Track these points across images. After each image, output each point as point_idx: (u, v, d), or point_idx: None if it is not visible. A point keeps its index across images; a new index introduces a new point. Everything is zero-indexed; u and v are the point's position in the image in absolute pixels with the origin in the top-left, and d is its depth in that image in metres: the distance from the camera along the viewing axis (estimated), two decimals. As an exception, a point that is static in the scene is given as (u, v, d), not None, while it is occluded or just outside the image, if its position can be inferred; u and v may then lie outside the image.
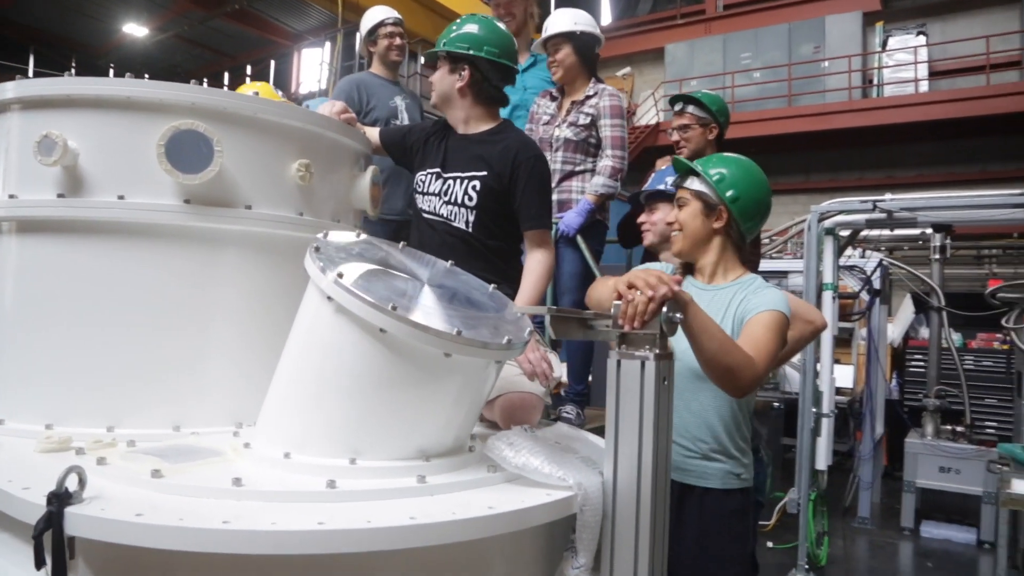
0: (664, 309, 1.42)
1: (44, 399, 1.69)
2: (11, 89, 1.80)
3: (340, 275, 1.29)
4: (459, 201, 2.26)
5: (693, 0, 16.56)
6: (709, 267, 2.02)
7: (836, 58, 13.60)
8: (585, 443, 1.59)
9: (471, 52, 2.23)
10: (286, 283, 1.87)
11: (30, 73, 19.13)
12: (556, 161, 3.16)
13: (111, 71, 21.46)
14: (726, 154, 2.15)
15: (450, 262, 1.75)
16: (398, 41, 3.81)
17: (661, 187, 2.58)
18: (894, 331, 8.73)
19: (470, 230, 2.26)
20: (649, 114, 15.57)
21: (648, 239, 2.60)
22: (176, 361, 1.73)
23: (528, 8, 3.64)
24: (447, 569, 1.28)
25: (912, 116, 12.28)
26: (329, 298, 1.31)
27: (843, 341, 8.84)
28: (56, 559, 1.12)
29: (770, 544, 5.52)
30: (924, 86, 12.91)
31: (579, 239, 3.05)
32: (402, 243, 1.73)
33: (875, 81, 13.65)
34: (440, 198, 2.29)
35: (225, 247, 1.78)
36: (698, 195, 2.01)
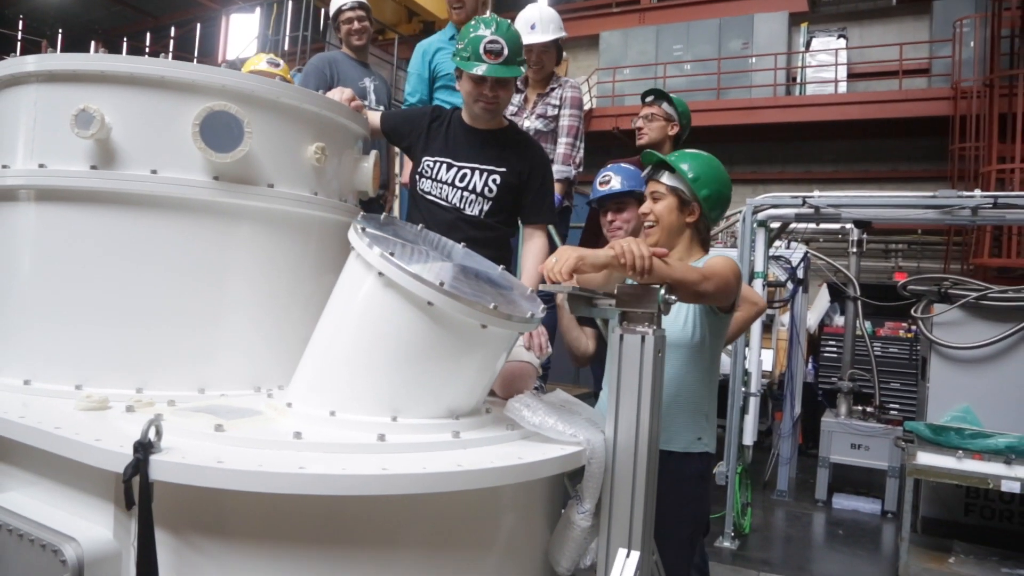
0: (662, 291, 1.63)
1: (73, 361, 1.77)
2: (32, 63, 1.86)
3: (392, 253, 1.45)
4: (478, 191, 2.44)
5: (630, -11, 16.87)
6: (678, 255, 2.20)
7: (763, 55, 14.19)
8: (584, 408, 1.80)
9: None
10: (301, 257, 2.02)
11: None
12: (527, 151, 3.34)
13: (20, 23, 20.25)
14: (693, 151, 2.31)
15: (463, 244, 1.91)
16: (356, 25, 3.89)
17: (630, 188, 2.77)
18: (811, 318, 9.33)
19: (482, 217, 2.45)
20: (581, 89, 15.86)
21: (620, 237, 2.79)
22: (200, 328, 1.84)
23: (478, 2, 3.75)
24: (480, 509, 1.46)
25: (831, 115, 12.97)
26: (380, 273, 1.46)
27: (764, 327, 9.42)
28: (143, 500, 1.25)
29: (698, 513, 5.90)
30: (843, 87, 13.64)
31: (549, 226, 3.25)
32: (420, 225, 1.89)
33: (798, 80, 14.32)
34: (453, 186, 2.45)
35: (248, 222, 1.90)
36: (673, 190, 2.18)
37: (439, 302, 1.43)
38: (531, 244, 2.50)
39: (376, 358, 1.52)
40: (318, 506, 1.30)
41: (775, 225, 5.82)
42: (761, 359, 5.72)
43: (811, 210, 5.26)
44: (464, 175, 2.43)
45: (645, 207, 2.25)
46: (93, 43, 21.13)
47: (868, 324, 9.16)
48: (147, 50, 20.96)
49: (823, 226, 7.78)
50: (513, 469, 1.39)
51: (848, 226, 6.41)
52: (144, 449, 1.25)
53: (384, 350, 1.51)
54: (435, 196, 2.45)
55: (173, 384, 1.78)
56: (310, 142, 1.99)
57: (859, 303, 6.76)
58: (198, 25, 20.72)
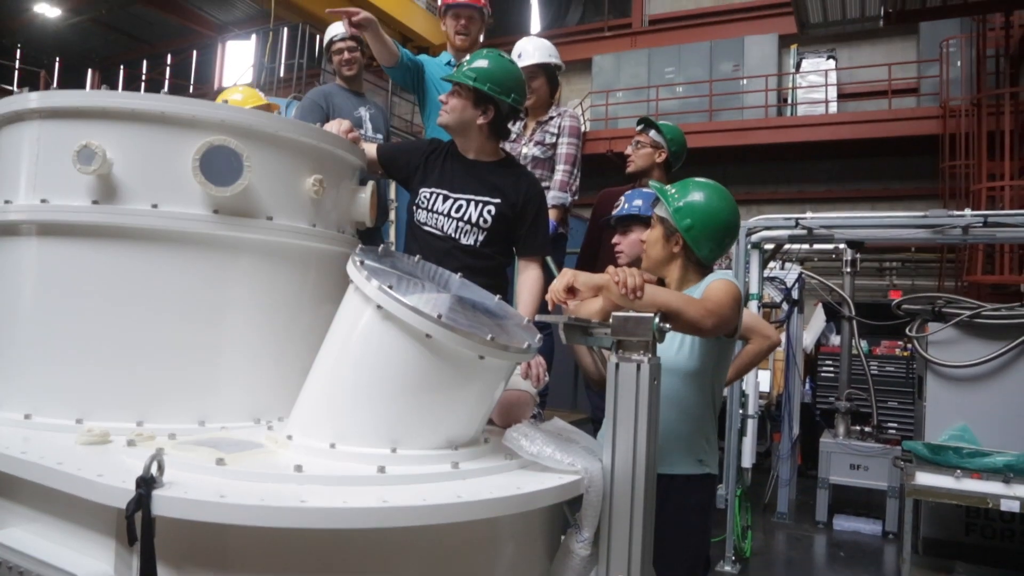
0: (656, 319, 1.65)
1: (73, 395, 1.78)
2: (35, 100, 1.88)
3: (390, 286, 1.47)
4: (473, 221, 2.47)
5: (620, 14, 17.08)
6: (674, 284, 2.22)
7: (754, 77, 14.36)
8: (582, 436, 1.81)
9: (499, 96, 2.43)
10: (300, 288, 2.04)
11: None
12: (524, 178, 3.38)
13: (18, 51, 20.40)
14: (698, 180, 2.30)
15: (459, 274, 1.94)
16: (347, 56, 3.94)
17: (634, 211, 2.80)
18: (807, 338, 9.35)
19: (477, 247, 2.49)
20: (580, 119, 16.00)
21: (621, 260, 2.82)
22: (200, 360, 1.86)
23: (481, 30, 3.83)
24: (480, 540, 1.47)
25: (822, 135, 13.11)
26: (378, 306, 1.48)
27: (760, 347, 9.43)
28: (145, 536, 1.26)
29: (698, 537, 5.88)
30: (833, 107, 13.80)
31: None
32: (417, 257, 1.91)
33: (789, 100, 14.48)
34: (448, 216, 2.48)
35: (247, 254, 1.92)
36: (661, 220, 2.21)
37: (437, 334, 1.45)
38: (526, 275, 2.53)
39: (375, 390, 1.53)
40: (320, 539, 1.30)
41: (769, 247, 5.87)
42: (758, 381, 5.73)
43: (804, 231, 5.30)
44: (460, 206, 2.46)
45: (646, 235, 2.30)
46: (90, 71, 21.31)
47: (864, 343, 9.18)
48: (144, 77, 21.12)
49: (817, 246, 7.83)
50: (512, 499, 1.40)
51: (841, 246, 6.46)
52: (146, 484, 1.26)
53: (383, 382, 1.52)
54: (431, 227, 2.47)
55: (174, 417, 1.80)
56: (308, 174, 2.01)
57: (854, 323, 6.80)
58: (194, 52, 20.89)
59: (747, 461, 5.50)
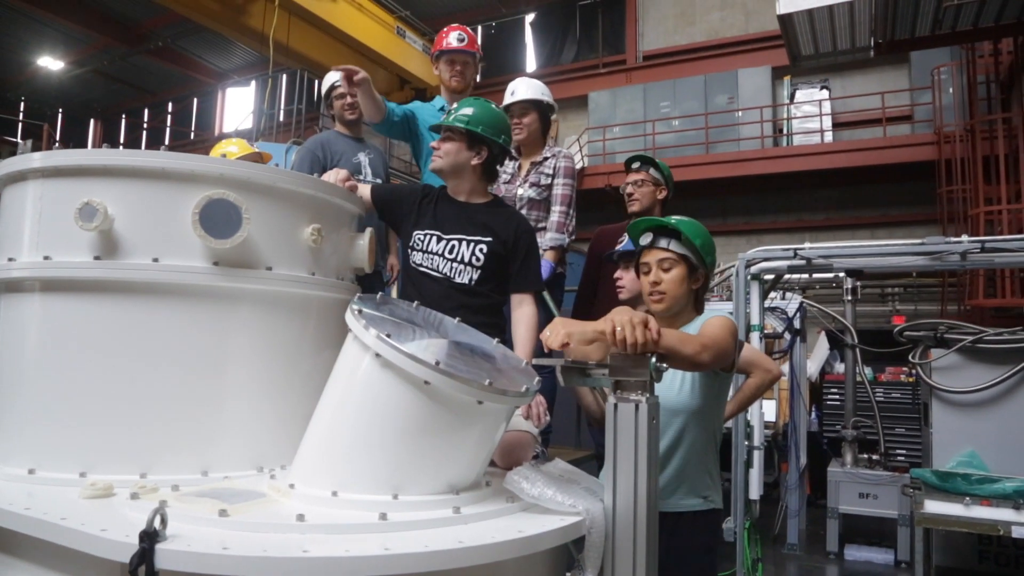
0: (653, 360, 1.67)
1: (77, 449, 1.79)
2: (39, 159, 1.93)
3: (388, 334, 1.49)
4: (466, 260, 2.52)
5: (615, 50, 17.37)
6: (679, 321, 2.22)
7: (749, 108, 14.55)
8: (583, 476, 1.82)
9: (492, 137, 2.54)
10: (300, 336, 2.06)
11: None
12: (520, 219, 3.42)
13: (22, 104, 20.76)
14: (679, 216, 2.32)
15: (458, 319, 1.96)
16: (349, 100, 4.02)
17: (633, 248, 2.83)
18: (811, 367, 9.33)
19: (472, 285, 2.53)
20: (574, 159, 16.17)
21: (623, 295, 2.84)
22: (202, 411, 1.87)
23: (476, 72, 3.92)
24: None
25: (818, 164, 13.24)
26: (376, 354, 1.50)
27: (765, 377, 9.40)
28: (148, 591, 1.26)
29: (708, 572, 5.81)
30: (829, 136, 13.95)
31: (544, 292, 3.31)
32: (416, 303, 1.94)
33: (784, 131, 14.64)
34: (443, 257, 2.54)
35: (248, 304, 1.94)
36: (684, 258, 2.17)
37: (435, 381, 1.47)
38: (520, 313, 2.56)
39: (375, 437, 1.54)
40: (323, 590, 1.31)
41: (769, 277, 5.89)
42: (763, 411, 5.71)
43: (803, 262, 5.33)
44: (452, 246, 2.52)
45: (654, 276, 2.19)
46: (92, 121, 21.65)
47: (869, 370, 9.17)
48: (145, 126, 21.45)
49: (817, 276, 7.87)
50: (513, 543, 1.41)
51: (841, 274, 6.49)
52: (150, 538, 1.27)
53: (383, 429, 1.54)
54: (427, 267, 2.52)
55: (177, 468, 1.81)
56: (306, 224, 2.05)
57: (857, 350, 6.79)
58: (195, 100, 21.24)
59: (755, 493, 5.45)
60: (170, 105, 21.92)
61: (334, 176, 2.42)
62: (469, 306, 2.42)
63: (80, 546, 1.37)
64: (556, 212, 3.44)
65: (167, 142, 21.08)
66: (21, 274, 1.89)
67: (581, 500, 1.61)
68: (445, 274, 2.51)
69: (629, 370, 1.68)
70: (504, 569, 1.48)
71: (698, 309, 2.26)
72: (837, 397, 8.77)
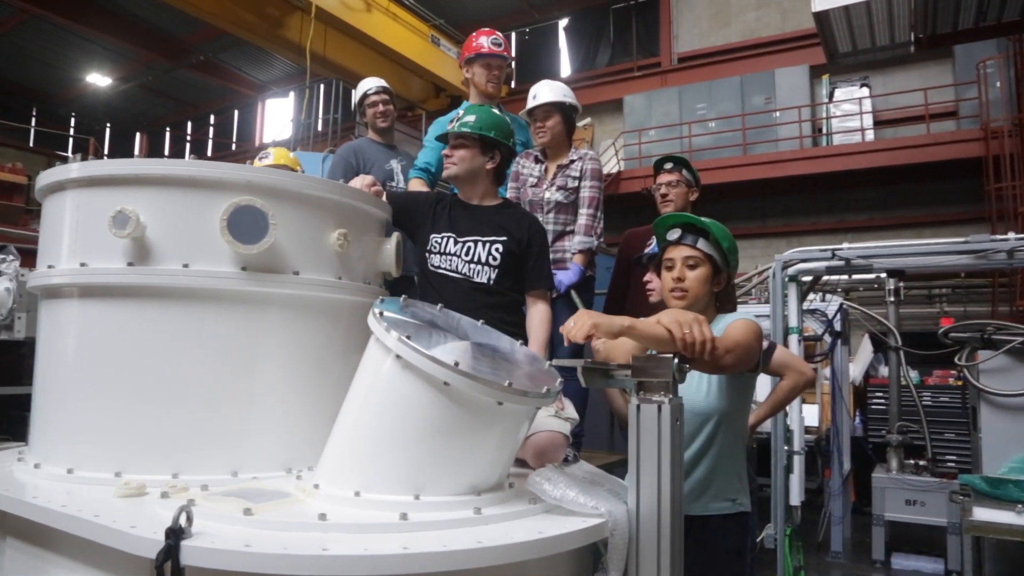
0: (675, 360, 1.65)
1: (112, 450, 1.85)
2: (76, 169, 2.00)
3: (408, 336, 1.50)
4: (483, 260, 2.59)
5: (649, 53, 17.27)
6: None
7: (786, 108, 14.33)
8: (608, 478, 1.80)
9: (503, 140, 2.64)
10: (328, 340, 2.09)
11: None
12: (548, 222, 3.42)
13: (72, 119, 21.47)
14: (706, 219, 2.31)
15: (481, 321, 1.97)
16: (381, 108, 4.09)
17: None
18: (855, 370, 9.13)
19: (491, 284, 2.58)
20: (610, 163, 16.13)
21: (653, 298, 2.82)
22: (232, 413, 1.91)
23: (505, 75, 3.93)
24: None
25: (860, 163, 12.97)
26: (397, 356, 1.52)
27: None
28: (175, 587, 1.29)
29: (748, 579, 5.72)
30: (870, 135, 13.65)
31: (572, 293, 3.30)
32: (439, 305, 1.95)
33: (824, 130, 14.38)
34: (460, 258, 2.60)
35: (275, 308, 1.98)
36: (709, 258, 2.14)
37: (455, 382, 1.48)
38: (534, 311, 2.64)
39: (397, 438, 1.56)
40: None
41: (807, 279, 5.78)
42: (803, 416, 5.59)
43: (841, 262, 5.22)
44: (468, 248, 2.60)
45: (677, 272, 2.16)
46: (138, 135, 22.28)
47: (915, 373, 8.94)
48: (188, 138, 22.00)
49: (859, 276, 7.69)
50: (534, 544, 1.40)
51: (883, 275, 6.34)
52: (175, 535, 1.30)
53: (405, 430, 1.55)
54: (446, 269, 2.58)
55: (208, 468, 1.84)
56: (333, 229, 2.08)
57: (901, 353, 6.62)
58: (236, 112, 21.72)
59: (795, 499, 5.34)
60: (212, 117, 22.46)
61: (360, 182, 2.45)
62: (489, 305, 2.48)
63: (111, 542, 1.41)
64: (584, 215, 3.42)
65: (209, 153, 21.58)
66: (60, 280, 1.96)
67: (604, 502, 1.59)
68: (464, 274, 2.57)
69: (652, 371, 1.67)
70: (526, 570, 1.48)
71: (717, 309, 2.23)
72: (882, 401, 8.56)
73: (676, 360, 1.65)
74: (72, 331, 1.95)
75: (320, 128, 16.02)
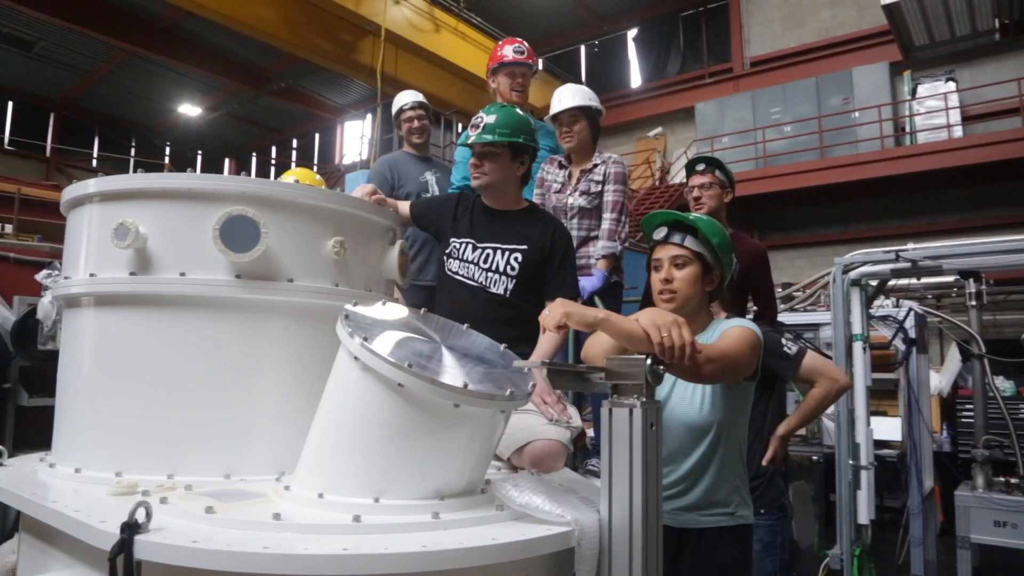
0: (648, 361, 1.59)
1: (114, 451, 1.92)
2: (93, 185, 2.11)
3: (365, 339, 1.51)
4: (501, 269, 2.53)
5: (720, 59, 16.94)
6: (694, 328, 2.05)
7: (866, 108, 13.74)
8: (588, 487, 1.75)
9: (532, 143, 2.57)
10: (324, 346, 2.10)
11: (94, 154, 20.50)
12: (572, 228, 3.38)
13: (167, 148, 22.82)
14: (702, 216, 2.23)
15: (466, 325, 1.96)
16: (416, 124, 4.16)
17: None
18: (942, 380, 8.60)
19: (508, 296, 2.52)
20: (683, 173, 15.85)
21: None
22: (228, 417, 1.96)
23: (529, 83, 3.91)
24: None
25: (947, 162, 12.30)
26: (356, 358, 1.53)
27: (889, 392, 8.74)
28: (127, 579, 1.33)
29: (817, 602, 5.46)
30: (958, 131, 12.93)
31: (596, 300, 3.24)
32: (423, 309, 1.95)
33: (907, 129, 13.71)
34: (478, 266, 2.55)
35: (271, 315, 2.02)
36: (699, 256, 2.07)
37: (408, 383, 1.47)
38: None
39: (356, 440, 1.56)
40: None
41: (874, 283, 5.49)
42: (871, 428, 5.29)
43: (907, 264, 4.93)
44: (487, 255, 2.52)
45: (664, 273, 2.10)
46: (227, 160, 23.47)
47: (1011, 384, 8.32)
48: (273, 162, 22.97)
49: (937, 280, 7.24)
50: (481, 550, 1.37)
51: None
52: (130, 529, 1.34)
53: (363, 433, 1.55)
54: (463, 276, 2.54)
55: (201, 470, 1.89)
56: (329, 237, 2.11)
57: (985, 361, 6.18)
58: (316, 135, 22.56)
59: (864, 517, 5.05)
60: (295, 141, 23.41)
61: (361, 191, 2.49)
62: (504, 319, 2.41)
63: (80, 535, 1.48)
64: (607, 220, 3.37)
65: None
66: (75, 290, 2.07)
67: (572, 510, 1.55)
68: (480, 283, 2.52)
69: (625, 373, 1.62)
70: (481, 573, 1.45)
71: (710, 314, 2.15)
72: (971, 414, 8.01)
73: (649, 362, 1.59)
74: (83, 338, 2.05)
75: (393, 146, 16.44)
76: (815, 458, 6.33)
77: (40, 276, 2.34)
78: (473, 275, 2.53)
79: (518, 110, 2.60)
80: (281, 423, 2.02)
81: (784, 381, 2.98)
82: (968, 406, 8.27)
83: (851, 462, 5.02)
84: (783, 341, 2.84)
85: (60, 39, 17.14)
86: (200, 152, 23.32)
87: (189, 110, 20.72)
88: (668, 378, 2.02)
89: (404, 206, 2.69)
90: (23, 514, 1.89)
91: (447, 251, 2.60)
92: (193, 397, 1.94)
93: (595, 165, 3.44)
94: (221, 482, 1.86)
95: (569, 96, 3.43)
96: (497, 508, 1.60)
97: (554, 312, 1.67)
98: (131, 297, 1.97)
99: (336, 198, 2.19)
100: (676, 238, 2.09)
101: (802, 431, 8.20)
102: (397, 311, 1.86)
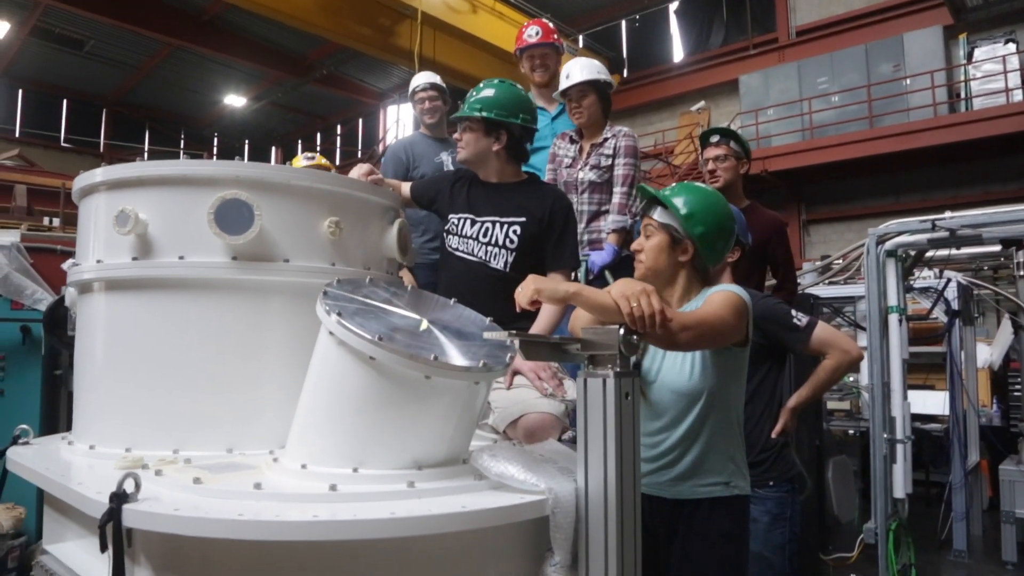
0: (621, 332, 1.60)
1: (125, 428, 2.03)
2: (100, 174, 2.20)
3: (340, 314, 1.56)
4: (500, 243, 2.54)
5: (765, 29, 16.48)
6: (676, 301, 2.09)
7: (918, 75, 13.21)
8: (569, 457, 1.77)
9: (508, 119, 2.53)
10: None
11: (145, 148, 21.14)
12: (583, 203, 3.38)
13: (215, 140, 23.36)
14: (691, 183, 2.21)
15: (453, 300, 1.99)
16: (428, 105, 4.18)
17: None
18: (993, 353, 8.32)
19: (507, 270, 2.53)
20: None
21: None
22: (230, 394, 2.04)
23: (559, 63, 3.91)
24: (435, 560, 1.49)
25: (1006, 128, 11.75)
26: (331, 334, 1.58)
27: (938, 366, 8.49)
28: (116, 544, 1.41)
29: (853, 576, 5.40)
30: (1018, 95, 12.34)
31: (607, 275, 3.24)
32: (411, 285, 1.99)
33: (963, 95, 13.15)
34: (477, 240, 2.56)
35: (268, 295, 2.09)
36: (664, 227, 2.08)
37: (379, 356, 1.51)
38: None
39: (336, 414, 1.61)
40: (263, 552, 1.39)
41: (913, 253, 5.32)
42: (908, 402, 5.15)
43: (945, 233, 4.76)
44: (486, 229, 2.53)
45: (636, 243, 2.15)
46: (273, 149, 23.92)
47: (1066, 357, 7.99)
48: (318, 148, 23.31)
49: (988, 249, 6.94)
50: (450, 517, 1.41)
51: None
52: (119, 499, 1.42)
53: (342, 406, 1.61)
54: (463, 251, 2.56)
55: (204, 445, 1.97)
56: (324, 217, 2.16)
57: (1034, 333, 5.96)
58: (360, 121, 22.79)
59: (900, 491, 4.94)
60: (339, 128, 23.68)
61: (357, 171, 2.53)
62: (501, 293, 2.41)
63: (79, 505, 1.56)
64: (618, 193, 3.34)
65: (338, 162, 22.79)
66: (86, 276, 2.17)
67: (547, 479, 1.57)
68: (480, 258, 2.53)
69: (599, 343, 1.63)
70: (454, 542, 1.49)
71: (702, 284, 2.11)
72: (1020, 387, 7.74)
73: (622, 332, 1.60)
74: (94, 322, 2.16)
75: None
76: (851, 432, 6.21)
77: (66, 265, 2.44)
78: (472, 250, 2.55)
79: (512, 86, 2.59)
80: (282, 399, 2.07)
81: (795, 353, 2.93)
82: (1018, 379, 7.99)
83: (886, 436, 4.91)
84: (793, 313, 2.79)
85: (109, 37, 17.65)
86: (247, 142, 23.82)
87: (234, 100, 21.14)
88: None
89: (405, 187, 2.72)
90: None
91: (446, 228, 2.63)
92: (196, 376, 2.02)
93: (605, 139, 3.42)
94: (222, 456, 1.94)
95: (577, 71, 3.41)
96: (476, 478, 1.64)
97: (526, 288, 1.69)
98: (134, 281, 2.05)
99: (330, 179, 2.24)
100: (650, 211, 2.12)
101: (846, 405, 8.07)
102: (381, 287, 1.90)
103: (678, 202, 2.07)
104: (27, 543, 4.16)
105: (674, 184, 2.20)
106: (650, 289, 1.67)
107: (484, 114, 2.49)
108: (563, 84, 3.45)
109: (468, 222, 2.57)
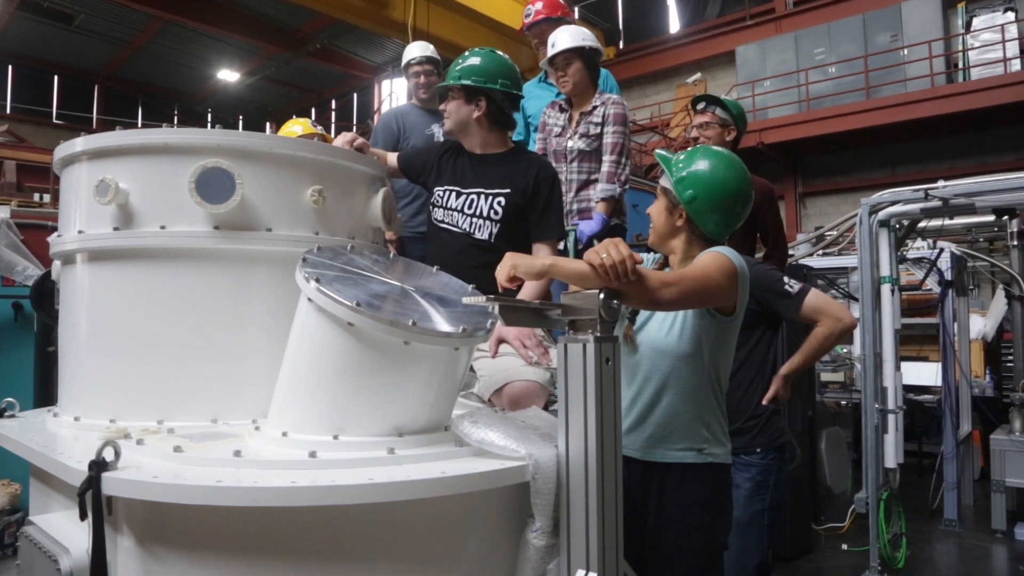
0: (601, 296, 1.59)
1: (109, 399, 2.02)
2: (80, 144, 2.17)
3: (318, 280, 1.55)
4: (484, 214, 2.52)
5: (762, 0, 16.31)
6: (676, 263, 2.11)
7: (916, 45, 13.09)
8: (552, 423, 1.76)
9: (487, 85, 2.50)
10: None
11: (139, 124, 20.94)
12: (572, 171, 3.35)
13: (209, 115, 23.14)
14: (707, 147, 2.21)
15: (436, 267, 1.98)
16: (423, 80, 4.13)
17: None
18: (986, 324, 8.35)
19: (492, 241, 2.52)
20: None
21: None
22: (214, 364, 2.03)
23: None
24: (416, 527, 1.50)
25: (1004, 98, 11.67)
26: (310, 300, 1.57)
27: (931, 338, 8.52)
28: (95, 512, 1.41)
29: (845, 547, 5.46)
30: (1016, 65, 12.24)
31: (596, 244, 3.21)
32: (392, 253, 1.98)
33: (960, 65, 13.05)
34: (462, 212, 2.55)
35: (252, 265, 2.08)
36: (665, 192, 2.12)
37: (358, 322, 1.51)
38: None
39: (314, 380, 1.61)
40: (240, 517, 1.40)
41: (905, 223, 5.30)
42: (900, 373, 5.17)
43: (938, 203, 4.74)
44: (471, 201, 2.52)
45: (651, 207, 2.21)
46: (268, 124, 23.68)
47: (1062, 328, 8.02)
48: (313, 123, 23.10)
49: (982, 219, 6.94)
50: (427, 483, 1.41)
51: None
52: (98, 467, 1.42)
53: (321, 373, 1.60)
54: (448, 224, 2.55)
55: (188, 415, 1.97)
56: (307, 186, 2.14)
57: (1027, 303, 5.98)
58: (355, 95, 22.58)
59: (891, 461, 4.97)
60: (333, 102, 23.47)
61: (342, 139, 2.50)
62: (486, 264, 2.40)
63: (60, 474, 1.56)
64: (607, 162, 3.32)
65: (334, 135, 22.60)
66: (68, 247, 2.15)
67: (527, 445, 1.57)
68: (465, 230, 2.53)
69: (579, 308, 1.62)
70: (432, 508, 1.50)
71: (707, 245, 2.10)
72: (1013, 358, 7.77)
73: (602, 296, 1.59)
74: (77, 293, 2.14)
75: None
76: (843, 403, 6.24)
77: (51, 238, 2.43)
78: (457, 222, 2.54)
79: (494, 53, 2.57)
80: (266, 369, 2.05)
81: (786, 320, 2.93)
82: (1011, 350, 8.03)
83: (878, 406, 4.93)
84: (785, 279, 2.78)
85: (99, 10, 17.37)
86: (241, 117, 23.60)
87: (228, 76, 20.90)
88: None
89: (392, 157, 2.70)
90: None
91: (432, 200, 2.61)
92: (179, 346, 2.02)
93: (594, 107, 3.39)
94: (206, 426, 1.94)
95: (563, 38, 3.36)
96: (456, 444, 1.64)
97: (503, 265, 1.68)
98: (116, 251, 2.04)
99: (313, 148, 2.22)
100: (662, 174, 2.16)
101: (839, 377, 8.11)
102: (363, 255, 1.89)
103: (676, 168, 2.09)
104: (23, 519, 4.19)
105: (693, 148, 2.21)
106: (618, 240, 1.66)
107: (463, 81, 2.48)
108: (549, 52, 3.41)
109: (453, 194, 2.57)
